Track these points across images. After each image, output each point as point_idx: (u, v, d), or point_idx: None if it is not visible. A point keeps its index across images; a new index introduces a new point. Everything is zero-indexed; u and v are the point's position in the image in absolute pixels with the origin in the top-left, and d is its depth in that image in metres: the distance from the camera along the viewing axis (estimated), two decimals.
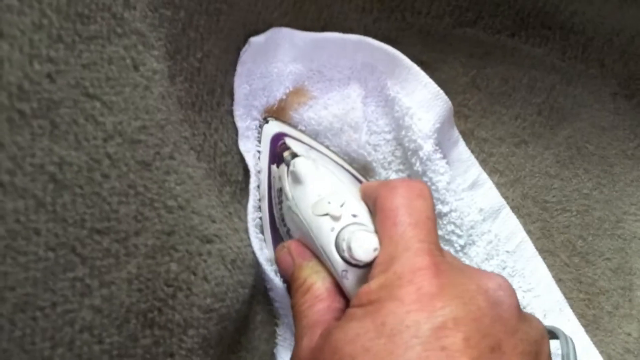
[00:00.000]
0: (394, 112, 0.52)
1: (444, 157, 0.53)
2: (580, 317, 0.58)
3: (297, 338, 0.41)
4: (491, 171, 0.59)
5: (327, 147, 0.53)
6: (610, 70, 0.63)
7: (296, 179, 0.46)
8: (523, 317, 0.37)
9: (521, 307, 0.38)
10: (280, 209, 0.48)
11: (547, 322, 0.55)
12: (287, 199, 0.46)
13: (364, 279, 0.39)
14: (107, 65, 0.31)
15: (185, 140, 0.39)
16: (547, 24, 0.60)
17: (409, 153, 0.52)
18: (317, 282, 0.42)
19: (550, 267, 0.58)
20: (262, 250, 0.48)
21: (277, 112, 0.52)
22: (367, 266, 0.39)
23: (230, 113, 0.48)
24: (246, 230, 0.47)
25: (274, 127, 0.51)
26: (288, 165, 0.47)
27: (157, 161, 0.34)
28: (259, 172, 0.50)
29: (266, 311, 0.49)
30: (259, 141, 0.50)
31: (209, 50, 0.43)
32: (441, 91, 0.52)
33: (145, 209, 0.33)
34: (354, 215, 0.42)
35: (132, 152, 0.32)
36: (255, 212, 0.48)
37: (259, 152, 0.50)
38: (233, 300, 0.41)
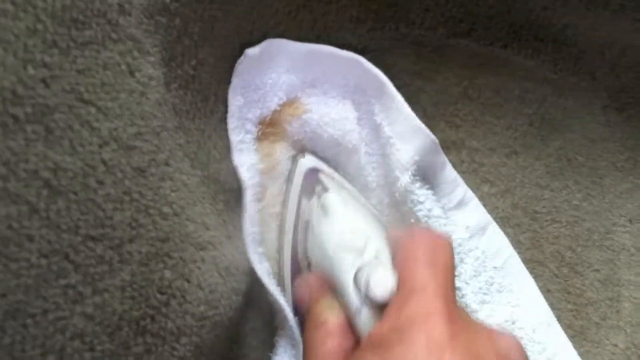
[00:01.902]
0: (380, 138, 0.52)
1: (427, 183, 0.53)
2: (568, 327, 0.58)
3: None
4: (482, 181, 0.59)
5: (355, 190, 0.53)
6: (601, 83, 0.63)
7: (324, 213, 0.46)
8: None
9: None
10: (305, 240, 0.48)
11: (536, 336, 0.55)
12: (312, 232, 0.47)
13: (376, 319, 0.39)
14: (103, 71, 0.31)
15: (180, 147, 0.39)
16: (540, 36, 0.61)
17: (390, 181, 0.52)
18: (330, 318, 0.42)
19: (539, 277, 0.58)
20: (262, 264, 0.48)
21: (270, 124, 0.52)
22: (382, 306, 0.39)
23: (224, 121, 0.48)
24: (240, 238, 0.47)
25: (309, 162, 0.52)
26: (319, 198, 0.48)
27: (152, 168, 0.34)
28: (254, 185, 0.49)
29: (259, 319, 0.49)
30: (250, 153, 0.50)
31: (204, 58, 0.43)
32: (422, 126, 0.52)
33: (140, 216, 0.33)
34: (377, 254, 0.42)
35: (127, 158, 0.32)
36: (252, 227, 0.48)
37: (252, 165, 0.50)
38: (226, 308, 0.41)
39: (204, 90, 0.44)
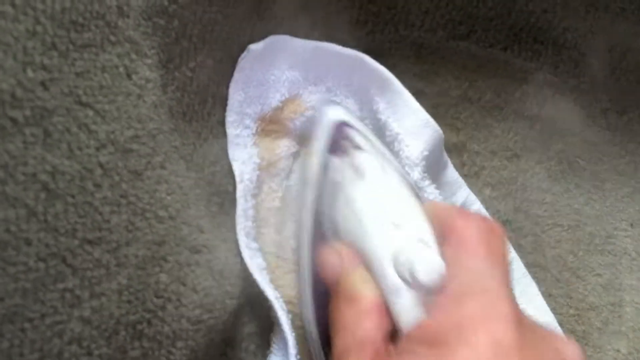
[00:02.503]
0: (385, 137, 0.51)
1: (433, 182, 0.52)
2: (570, 333, 0.58)
3: (340, 352, 0.37)
4: (483, 184, 0.59)
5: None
6: (602, 86, 0.63)
7: (359, 176, 0.42)
8: None
9: None
10: (333, 204, 0.44)
11: None
12: (344, 195, 0.43)
13: (418, 306, 0.36)
14: (101, 74, 0.31)
15: (175, 149, 0.39)
16: (540, 38, 0.61)
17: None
18: (366, 294, 0.38)
19: (541, 282, 0.58)
20: (253, 259, 0.46)
21: (272, 121, 0.51)
22: (427, 291, 0.36)
23: (221, 124, 0.48)
24: (234, 241, 0.46)
25: (338, 114, 0.46)
26: (350, 157, 0.44)
27: (148, 171, 0.34)
28: (249, 180, 0.49)
29: (255, 323, 0.49)
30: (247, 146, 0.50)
31: (202, 60, 0.43)
32: (431, 119, 0.50)
33: (136, 219, 0.33)
34: (420, 231, 0.39)
35: (124, 161, 0.32)
36: (245, 222, 0.47)
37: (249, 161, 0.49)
38: (221, 312, 0.41)
39: (202, 93, 0.44)
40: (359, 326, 0.37)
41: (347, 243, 0.42)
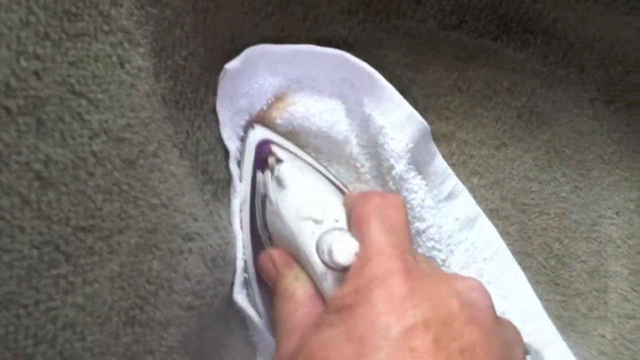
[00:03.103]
0: (370, 129, 0.52)
1: (419, 173, 0.53)
2: (556, 318, 0.59)
3: (277, 342, 0.41)
4: (471, 173, 0.60)
5: (312, 156, 0.53)
6: (590, 76, 0.64)
7: (280, 184, 0.46)
8: (497, 320, 0.37)
9: (498, 313, 0.39)
10: (264, 215, 0.48)
11: (525, 328, 0.55)
12: (270, 204, 0.46)
13: (339, 284, 0.39)
14: (94, 63, 0.31)
15: (169, 138, 0.39)
16: (530, 28, 0.61)
17: (384, 171, 0.52)
18: (298, 289, 0.42)
19: (527, 269, 0.59)
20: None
21: (258, 120, 0.52)
22: (346, 270, 0.39)
23: (214, 111, 0.48)
24: (227, 228, 0.47)
25: (259, 134, 0.51)
26: (272, 171, 0.48)
27: (141, 159, 0.34)
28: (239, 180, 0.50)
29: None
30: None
31: (195, 48, 0.43)
32: (415, 112, 0.51)
33: (129, 207, 0.33)
34: (336, 221, 0.42)
35: (117, 150, 0.32)
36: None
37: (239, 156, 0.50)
38: (213, 298, 0.42)
39: (194, 81, 0.44)
40: (293, 317, 0.41)
41: (280, 247, 0.46)
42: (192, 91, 0.44)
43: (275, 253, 0.45)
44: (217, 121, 0.48)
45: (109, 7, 0.33)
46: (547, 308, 0.58)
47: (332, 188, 0.49)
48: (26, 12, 0.27)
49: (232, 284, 0.46)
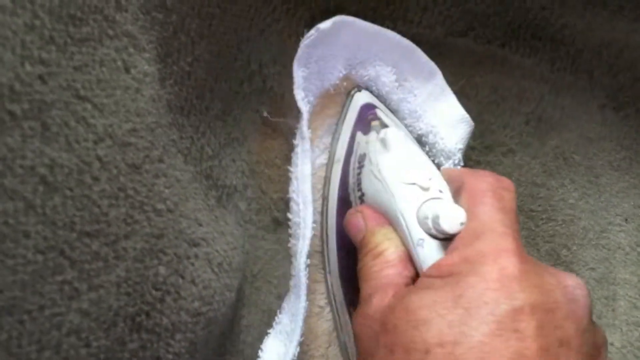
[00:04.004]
0: (418, 129, 0.53)
1: None
2: None
3: (365, 297, 0.41)
4: None
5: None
6: (598, 82, 0.64)
7: (385, 147, 0.46)
8: (592, 321, 0.37)
9: None
10: (359, 174, 0.49)
11: None
12: (370, 164, 0.47)
13: (439, 252, 0.40)
14: (99, 68, 0.31)
15: (173, 143, 0.39)
16: (538, 35, 0.61)
17: None
18: (390, 248, 0.43)
19: None
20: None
21: (328, 98, 0.53)
22: (446, 239, 0.40)
23: (219, 117, 0.48)
24: (232, 234, 0.47)
25: (365, 97, 0.52)
26: (377, 133, 0.48)
27: (146, 164, 0.34)
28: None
29: (253, 316, 0.49)
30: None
31: (200, 54, 0.43)
32: (467, 116, 0.53)
33: (134, 212, 0.33)
34: (441, 191, 0.43)
35: (122, 154, 0.32)
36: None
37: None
38: (220, 304, 0.41)
39: (199, 87, 0.44)
40: (383, 273, 0.42)
41: (374, 205, 0.46)
42: (197, 97, 0.44)
43: (367, 210, 0.46)
44: (221, 127, 0.48)
45: (114, 12, 0.33)
46: None
47: (431, 161, 0.49)
48: (31, 17, 0.27)
49: (238, 290, 0.46)
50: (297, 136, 0.50)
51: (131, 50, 0.34)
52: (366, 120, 0.51)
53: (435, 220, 0.39)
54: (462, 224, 0.39)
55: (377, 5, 0.55)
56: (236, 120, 0.50)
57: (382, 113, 0.52)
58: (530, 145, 0.62)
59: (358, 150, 0.50)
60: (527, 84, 0.62)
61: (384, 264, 0.42)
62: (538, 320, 0.33)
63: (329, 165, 0.51)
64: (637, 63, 0.63)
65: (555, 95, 0.63)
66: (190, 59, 0.42)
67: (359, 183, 0.48)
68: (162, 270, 0.35)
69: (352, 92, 0.53)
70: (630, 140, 0.64)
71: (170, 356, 0.36)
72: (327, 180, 0.51)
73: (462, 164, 0.53)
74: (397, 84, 0.53)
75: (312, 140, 0.51)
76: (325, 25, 0.49)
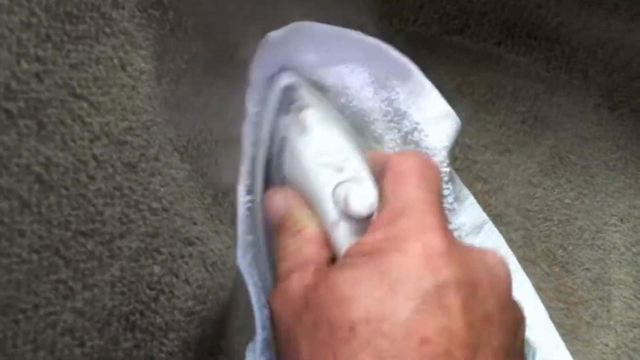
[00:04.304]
0: (403, 127, 0.52)
1: (449, 179, 0.53)
2: (559, 326, 0.58)
3: (283, 274, 0.40)
4: (474, 179, 0.59)
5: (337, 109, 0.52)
6: (594, 82, 0.64)
7: (303, 129, 0.46)
8: (513, 298, 0.37)
9: None
10: (280, 157, 0.48)
11: (531, 336, 0.55)
12: (290, 146, 0.46)
13: (354, 234, 0.39)
14: (95, 65, 0.31)
15: (170, 141, 0.39)
16: (533, 34, 0.61)
17: None
18: (309, 227, 0.42)
19: (531, 276, 0.58)
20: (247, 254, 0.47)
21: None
22: (361, 221, 0.39)
23: (216, 115, 0.48)
24: (227, 233, 0.47)
25: (289, 77, 0.50)
26: (297, 114, 0.47)
27: (142, 163, 0.34)
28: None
29: (246, 315, 0.49)
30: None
31: (197, 52, 0.43)
32: (452, 111, 0.51)
33: (130, 211, 0.33)
34: (356, 171, 0.42)
35: (118, 153, 0.32)
36: (246, 195, 0.48)
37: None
38: (213, 303, 0.41)
39: (196, 85, 0.44)
40: (301, 252, 0.40)
41: (293, 187, 0.45)
42: (194, 95, 0.44)
43: (287, 190, 0.45)
44: (218, 126, 0.48)
45: (111, 10, 0.33)
46: (550, 316, 0.57)
47: (354, 142, 0.48)
48: (28, 14, 0.27)
49: (234, 286, 0.46)
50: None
51: (128, 47, 0.34)
52: (288, 101, 0.49)
53: (346, 202, 0.39)
54: (372, 204, 0.38)
55: (373, 4, 0.55)
56: (233, 118, 0.50)
57: (306, 92, 0.50)
58: (526, 144, 0.62)
59: (279, 133, 0.49)
60: (523, 82, 0.62)
61: (302, 242, 0.41)
62: (463, 296, 0.33)
63: (257, 148, 0.49)
64: (632, 62, 0.63)
65: (550, 94, 0.63)
66: (187, 57, 0.42)
67: (280, 166, 0.47)
68: (156, 269, 0.35)
69: (275, 75, 0.50)
70: (625, 140, 0.64)
71: (163, 355, 0.36)
72: (253, 166, 0.49)
73: (447, 161, 0.52)
74: (375, 85, 0.53)
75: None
76: (277, 33, 0.49)
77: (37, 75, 0.27)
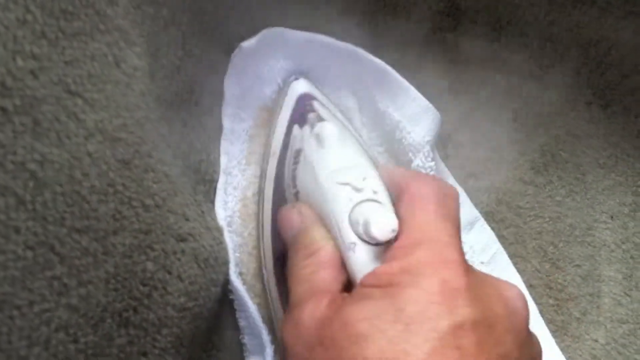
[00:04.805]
0: (385, 125, 0.52)
1: (436, 172, 0.52)
2: (549, 322, 0.59)
3: (298, 301, 0.39)
4: (467, 176, 0.60)
5: (350, 122, 0.52)
6: (586, 80, 0.64)
7: (320, 143, 0.45)
8: (530, 332, 0.37)
9: None
10: (294, 169, 0.47)
11: None
12: (305, 161, 0.45)
13: (371, 258, 0.39)
14: (90, 62, 0.31)
15: (163, 137, 0.39)
16: (526, 32, 0.61)
17: (403, 166, 0.52)
18: (325, 247, 0.41)
19: (522, 272, 0.59)
20: (235, 253, 0.47)
21: (269, 111, 0.51)
22: (378, 245, 0.38)
23: (208, 112, 0.48)
24: (218, 229, 0.46)
25: (303, 86, 0.50)
26: (312, 127, 0.46)
27: (136, 159, 0.34)
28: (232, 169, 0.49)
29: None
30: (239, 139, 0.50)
31: (190, 49, 0.43)
32: (431, 105, 0.51)
33: (123, 208, 0.33)
34: (375, 192, 0.41)
35: (112, 150, 0.32)
36: (223, 212, 0.48)
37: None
38: (205, 299, 0.41)
39: (190, 82, 0.44)
40: (316, 276, 0.40)
41: (309, 204, 0.44)
42: (187, 91, 0.44)
43: (304, 207, 0.44)
44: (211, 122, 0.48)
45: (105, 6, 0.33)
46: (540, 312, 0.58)
47: (370, 159, 0.47)
48: (23, 11, 0.27)
49: (225, 281, 0.46)
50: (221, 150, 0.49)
51: (122, 44, 0.34)
52: (303, 112, 0.49)
53: (366, 225, 0.38)
54: (393, 231, 0.37)
55: (367, 1, 0.55)
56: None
57: (320, 105, 0.49)
58: (518, 142, 0.62)
59: (294, 144, 0.48)
60: (515, 80, 0.63)
61: (318, 265, 0.40)
62: (479, 336, 0.33)
63: (265, 158, 0.49)
64: (624, 60, 0.63)
65: (542, 92, 0.63)
66: (181, 54, 0.42)
67: (294, 179, 0.47)
68: (149, 265, 0.35)
69: (290, 79, 0.50)
70: (616, 137, 0.65)
71: (156, 351, 0.36)
72: (262, 173, 0.49)
73: (431, 156, 0.52)
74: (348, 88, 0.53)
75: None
76: (249, 43, 0.49)
77: (32, 72, 0.27)
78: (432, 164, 0.51)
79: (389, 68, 0.51)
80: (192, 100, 0.45)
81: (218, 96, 0.49)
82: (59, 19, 0.29)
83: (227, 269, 0.46)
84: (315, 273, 0.40)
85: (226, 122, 0.49)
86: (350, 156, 0.44)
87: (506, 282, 0.38)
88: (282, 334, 0.39)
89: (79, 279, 0.30)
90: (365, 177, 0.42)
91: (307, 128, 0.47)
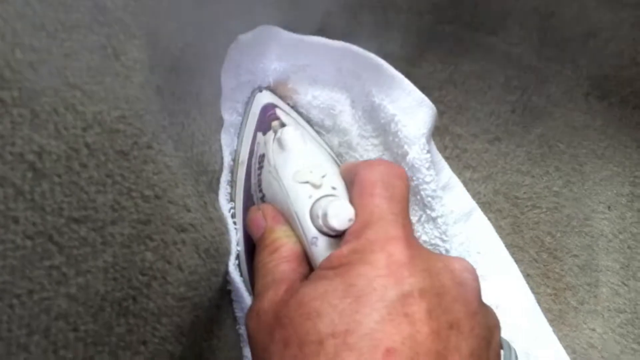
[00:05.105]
0: (380, 118, 0.52)
1: (431, 164, 0.53)
2: (547, 311, 0.59)
3: (260, 292, 0.41)
4: (464, 167, 0.60)
5: (313, 128, 0.54)
6: (584, 71, 0.64)
7: (282, 147, 0.47)
8: (482, 303, 0.38)
9: (493, 306, 0.39)
10: (259, 174, 0.49)
11: (518, 321, 0.55)
12: (269, 164, 0.47)
13: (332, 248, 0.40)
14: (89, 54, 0.31)
15: (164, 129, 0.39)
16: (525, 24, 0.61)
17: (398, 159, 0.52)
18: (287, 244, 0.43)
19: (519, 262, 0.59)
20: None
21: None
22: (338, 236, 0.40)
23: (210, 103, 0.48)
24: (220, 219, 0.47)
25: (266, 97, 0.52)
26: (275, 133, 0.48)
27: (135, 151, 0.34)
28: (233, 161, 0.50)
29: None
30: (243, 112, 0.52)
31: (190, 40, 0.43)
32: (426, 98, 0.52)
33: (122, 198, 0.33)
34: (333, 188, 0.43)
35: (110, 141, 0.32)
36: (228, 204, 0.49)
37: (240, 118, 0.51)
38: (206, 289, 0.42)
39: (190, 73, 0.44)
40: (277, 268, 0.42)
41: (273, 206, 0.46)
42: (188, 83, 0.44)
43: (267, 208, 0.46)
44: (212, 113, 0.49)
45: None
46: (538, 301, 0.58)
47: (330, 158, 0.49)
48: (22, 4, 0.27)
49: (227, 272, 0.46)
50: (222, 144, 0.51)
51: (121, 36, 0.34)
52: (267, 120, 0.51)
53: (325, 217, 0.40)
54: (350, 220, 0.39)
55: None
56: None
57: (283, 112, 0.52)
58: (515, 133, 0.62)
59: (258, 150, 0.50)
60: (514, 72, 0.63)
61: (280, 258, 0.42)
62: (427, 304, 0.34)
63: (235, 167, 0.51)
64: (622, 52, 0.63)
65: (541, 83, 0.63)
66: (181, 45, 0.42)
67: (259, 184, 0.49)
68: (148, 255, 0.35)
69: (254, 91, 0.53)
70: (614, 129, 0.65)
71: (156, 340, 0.37)
72: (233, 182, 0.51)
73: (427, 148, 0.52)
74: (341, 84, 0.54)
75: None
76: (245, 36, 0.50)
77: (31, 64, 0.27)
78: (428, 156, 0.51)
79: (383, 62, 0.52)
80: (193, 91, 0.45)
81: (219, 88, 0.49)
82: (58, 11, 0.29)
83: (229, 259, 0.46)
84: (277, 266, 0.42)
85: (225, 115, 0.50)
86: (310, 157, 0.46)
87: (455, 257, 0.39)
88: (246, 323, 0.40)
89: (77, 269, 0.30)
90: (324, 174, 0.44)
91: (270, 134, 0.49)
